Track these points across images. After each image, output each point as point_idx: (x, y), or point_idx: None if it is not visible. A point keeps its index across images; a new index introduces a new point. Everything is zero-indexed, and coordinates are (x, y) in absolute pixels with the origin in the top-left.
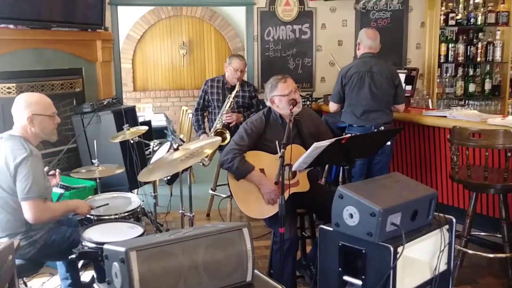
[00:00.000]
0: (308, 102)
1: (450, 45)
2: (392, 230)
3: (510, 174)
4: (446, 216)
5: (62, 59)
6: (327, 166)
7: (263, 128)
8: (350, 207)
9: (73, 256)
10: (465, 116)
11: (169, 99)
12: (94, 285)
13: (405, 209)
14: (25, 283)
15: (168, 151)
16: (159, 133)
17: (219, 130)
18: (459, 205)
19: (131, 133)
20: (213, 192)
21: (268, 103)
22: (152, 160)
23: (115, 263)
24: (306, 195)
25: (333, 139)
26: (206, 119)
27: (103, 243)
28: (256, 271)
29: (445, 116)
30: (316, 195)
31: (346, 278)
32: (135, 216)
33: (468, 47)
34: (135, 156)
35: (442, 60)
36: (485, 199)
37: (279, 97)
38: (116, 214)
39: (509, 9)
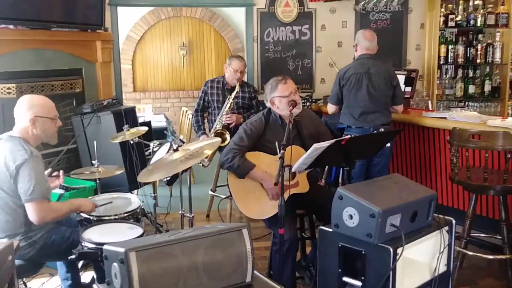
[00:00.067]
0: (308, 103)
1: (450, 47)
2: (392, 231)
3: (510, 175)
4: (446, 217)
5: (62, 60)
6: (327, 167)
7: (262, 129)
8: (350, 208)
9: (73, 256)
10: (465, 118)
11: (169, 99)
12: (94, 285)
13: (405, 210)
14: (24, 284)
15: (168, 152)
16: (159, 134)
17: (219, 131)
18: (459, 207)
19: (131, 134)
20: (213, 193)
21: (268, 104)
22: (152, 161)
23: (115, 264)
24: (305, 196)
25: (332, 140)
26: (206, 120)
27: (102, 244)
28: (255, 272)
29: (445, 118)
30: (316, 196)
31: (345, 279)
32: (134, 216)
33: (468, 48)
34: (135, 157)
35: (441, 62)
36: (484, 200)
37: (279, 98)
38: (116, 215)
39: (508, 10)
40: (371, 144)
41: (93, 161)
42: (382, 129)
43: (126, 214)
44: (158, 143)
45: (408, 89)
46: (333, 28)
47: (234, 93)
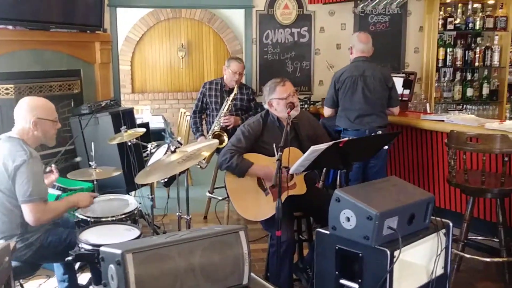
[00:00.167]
0: (306, 105)
1: (448, 50)
2: (389, 233)
3: (507, 178)
4: (443, 220)
5: (60, 60)
6: (324, 169)
7: (260, 130)
8: (347, 211)
9: (70, 258)
10: (463, 121)
11: (168, 101)
12: (91, 287)
13: (402, 213)
14: (21, 285)
15: (165, 153)
16: (157, 135)
17: (217, 133)
18: (456, 209)
19: (128, 135)
20: (210, 195)
21: (266, 106)
22: (150, 162)
23: (111, 266)
24: (303, 198)
25: (330, 143)
26: (204, 122)
27: (99, 245)
28: (252, 274)
29: (443, 121)
30: (313, 198)
31: (342, 281)
32: (132, 218)
33: (466, 51)
34: (133, 158)
35: (440, 65)
36: (482, 203)
37: (277, 100)
38: (113, 216)
39: (507, 14)
40: (369, 146)
41: (90, 162)
42: (380, 132)
43: (123, 216)
44: (156, 144)
45: (407, 91)
46: (332, 31)
47: (232, 95)
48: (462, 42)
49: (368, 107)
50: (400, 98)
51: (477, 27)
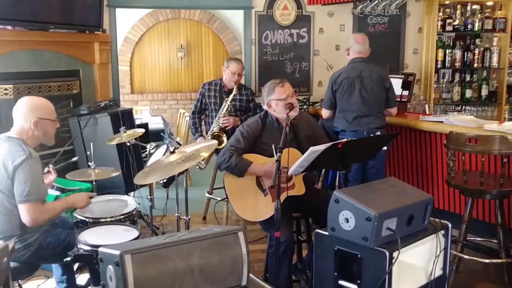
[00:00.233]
0: (305, 106)
1: (447, 51)
2: (388, 235)
3: (506, 180)
4: (442, 221)
5: (59, 61)
6: (323, 170)
7: (259, 131)
8: (346, 212)
9: (68, 258)
10: (462, 122)
11: (167, 101)
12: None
13: (401, 214)
14: (20, 286)
15: (164, 154)
16: (156, 136)
17: (216, 134)
18: (455, 211)
19: (127, 136)
20: (209, 195)
21: (265, 107)
22: (149, 163)
23: (110, 266)
24: (302, 199)
25: (329, 144)
26: (203, 122)
27: (98, 246)
28: (251, 275)
29: (442, 122)
30: (312, 199)
31: (341, 282)
32: (131, 219)
33: (465, 53)
34: (132, 159)
35: (439, 66)
36: (481, 204)
37: (276, 101)
38: (112, 217)
39: (506, 15)
40: (368, 147)
41: (89, 163)
42: (378, 132)
43: (122, 216)
44: (155, 145)
45: (406, 92)
46: (331, 32)
47: (231, 96)
48: (461, 43)
49: (365, 108)
50: (399, 99)
51: (476, 29)
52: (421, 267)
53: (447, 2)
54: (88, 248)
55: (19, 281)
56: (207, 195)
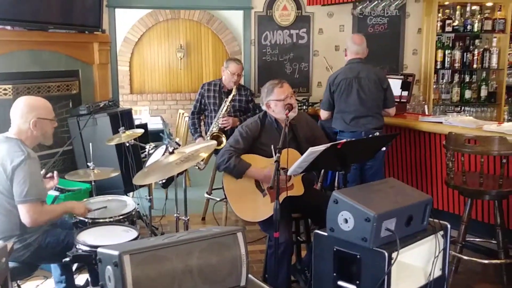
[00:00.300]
0: (304, 107)
1: (447, 52)
2: (387, 235)
3: (505, 180)
4: (441, 222)
5: (58, 61)
6: (323, 171)
7: (258, 131)
8: (345, 212)
9: (67, 259)
10: (461, 123)
11: (166, 102)
12: None
13: (400, 215)
14: (18, 286)
15: (163, 154)
16: (155, 136)
17: (215, 134)
18: (454, 211)
19: (126, 136)
20: (208, 196)
21: (264, 107)
22: (148, 163)
23: (109, 267)
24: (301, 200)
25: (328, 144)
26: (202, 123)
27: (97, 246)
28: (250, 275)
29: (441, 122)
30: (311, 199)
31: (340, 283)
32: (130, 219)
33: (465, 53)
34: (131, 159)
35: (438, 66)
36: (480, 205)
37: (275, 101)
38: (111, 217)
39: (505, 16)
40: (367, 148)
41: (88, 163)
42: (377, 133)
43: (121, 217)
44: (154, 145)
45: (405, 93)
46: (330, 32)
47: (231, 96)
48: (461, 44)
49: (363, 108)
50: (398, 100)
51: (476, 29)
52: (420, 267)
53: (446, 3)
54: (87, 248)
55: (18, 281)
56: (206, 195)
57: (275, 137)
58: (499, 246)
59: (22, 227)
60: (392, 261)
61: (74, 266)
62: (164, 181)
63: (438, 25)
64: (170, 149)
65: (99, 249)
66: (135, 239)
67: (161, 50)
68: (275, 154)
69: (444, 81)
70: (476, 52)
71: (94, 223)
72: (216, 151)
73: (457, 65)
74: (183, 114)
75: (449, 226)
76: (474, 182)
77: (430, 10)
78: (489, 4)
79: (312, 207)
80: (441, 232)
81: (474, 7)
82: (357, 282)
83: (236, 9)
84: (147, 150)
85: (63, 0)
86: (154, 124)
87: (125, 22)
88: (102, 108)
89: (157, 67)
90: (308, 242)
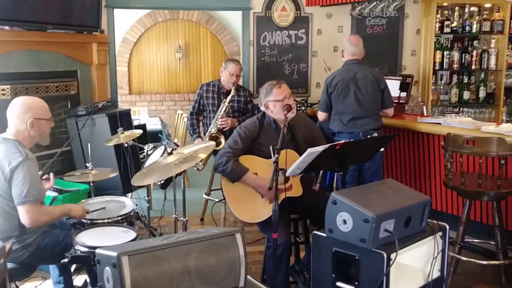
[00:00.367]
0: (303, 108)
1: (445, 53)
2: (386, 236)
3: (504, 181)
4: (440, 223)
5: (57, 61)
6: (321, 172)
7: (257, 132)
8: (344, 213)
9: (66, 260)
10: (459, 124)
11: (165, 102)
12: None
13: (399, 216)
14: (17, 287)
15: (162, 155)
16: (154, 137)
17: (213, 135)
18: (453, 212)
19: (125, 137)
20: (207, 197)
21: (262, 108)
22: (146, 164)
23: (107, 268)
24: (300, 201)
25: (327, 145)
26: (201, 124)
27: (95, 247)
28: (248, 276)
29: (440, 123)
30: (310, 200)
31: (339, 284)
32: (128, 220)
33: (463, 54)
34: (129, 160)
35: (437, 67)
36: (478, 206)
37: (274, 102)
38: (110, 218)
39: (504, 17)
40: (366, 149)
41: (86, 164)
42: (376, 134)
43: (119, 218)
44: (152, 146)
45: (403, 94)
46: (329, 33)
47: (229, 97)
48: (459, 45)
49: (360, 109)
50: (397, 101)
51: (474, 31)
52: (418, 268)
53: (445, 4)
54: (86, 249)
55: (17, 282)
56: (204, 196)
57: (273, 138)
58: (497, 247)
59: (20, 228)
60: (391, 262)
61: (73, 267)
62: (162, 182)
63: (437, 26)
64: (169, 150)
65: (97, 250)
66: (134, 240)
67: (159, 51)
68: (274, 155)
69: (443, 82)
70: (474, 53)
71: (93, 224)
72: (215, 152)
73: (455, 66)
74: (181, 114)
75: (447, 227)
76: (472, 183)
77: (428, 11)
78: (488, 5)
79: (311, 208)
80: (440, 233)
81: (472, 8)
82: (356, 283)
83: (235, 10)
84: (145, 150)
85: (62, 1)
86: (153, 124)
87: (124, 23)
88: (101, 109)
89: (156, 67)
90: (306, 243)
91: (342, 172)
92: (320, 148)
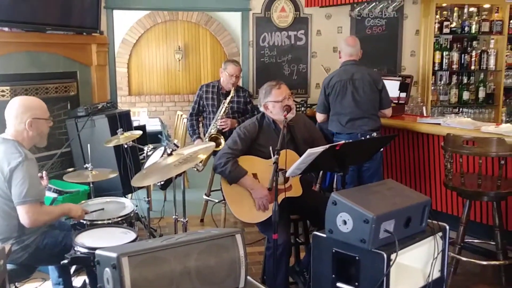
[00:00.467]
0: (302, 108)
1: (445, 53)
2: (386, 237)
3: (504, 181)
4: (440, 223)
5: (56, 63)
6: (321, 172)
7: (256, 133)
8: (344, 214)
9: (65, 261)
10: (459, 124)
11: (164, 103)
12: None
13: (399, 216)
14: None
15: (162, 156)
16: (153, 138)
17: (213, 136)
18: (453, 212)
19: (125, 138)
20: (207, 198)
21: (261, 109)
22: (146, 165)
23: (107, 269)
24: (300, 201)
25: (327, 146)
26: (201, 124)
27: (95, 248)
28: (248, 277)
29: (439, 124)
30: (310, 201)
31: (339, 284)
32: (128, 221)
33: (462, 55)
34: (129, 161)
35: (436, 68)
36: (478, 206)
37: (273, 103)
38: (109, 219)
39: (503, 18)
40: (366, 149)
41: (86, 164)
42: (375, 134)
43: (119, 219)
44: (152, 147)
45: (403, 95)
46: (328, 34)
47: (229, 98)
48: (458, 45)
49: (358, 110)
50: (396, 101)
51: (473, 31)
52: (419, 269)
53: (444, 5)
54: (85, 250)
55: (16, 283)
56: (204, 197)
57: (273, 139)
58: (497, 247)
59: (20, 229)
60: (391, 262)
61: (72, 268)
62: (162, 182)
63: (436, 26)
64: (169, 151)
65: (97, 251)
66: (134, 241)
67: (159, 52)
68: (274, 156)
69: (442, 82)
70: (473, 53)
71: (93, 225)
72: (214, 153)
73: (455, 66)
74: (181, 115)
75: (447, 227)
76: (472, 183)
77: (427, 11)
78: (487, 6)
79: (311, 209)
80: (440, 234)
81: (471, 9)
82: (356, 283)
83: (234, 11)
84: (145, 151)
85: (61, 2)
86: (153, 125)
87: (123, 24)
88: (100, 110)
89: (155, 68)
90: (306, 243)
91: (341, 172)
92: (320, 149)
